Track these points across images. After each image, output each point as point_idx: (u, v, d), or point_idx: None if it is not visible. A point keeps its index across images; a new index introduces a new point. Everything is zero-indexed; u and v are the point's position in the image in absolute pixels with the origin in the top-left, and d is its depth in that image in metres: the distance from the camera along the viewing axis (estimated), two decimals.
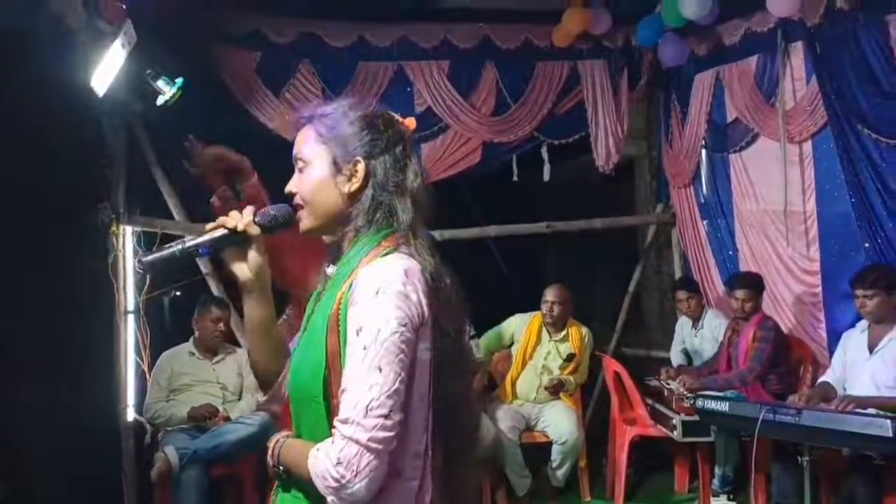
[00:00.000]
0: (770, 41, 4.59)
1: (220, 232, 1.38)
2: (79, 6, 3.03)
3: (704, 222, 5.29)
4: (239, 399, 4.27)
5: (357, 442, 1.17)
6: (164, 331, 4.65)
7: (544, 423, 4.38)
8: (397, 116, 1.43)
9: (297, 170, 1.40)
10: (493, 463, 4.14)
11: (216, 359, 4.28)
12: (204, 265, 4.68)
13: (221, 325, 4.24)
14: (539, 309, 4.60)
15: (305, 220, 1.39)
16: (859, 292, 3.56)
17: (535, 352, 4.55)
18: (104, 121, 4.22)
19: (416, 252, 1.31)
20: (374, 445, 1.18)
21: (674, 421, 3.97)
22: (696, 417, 3.81)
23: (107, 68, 3.30)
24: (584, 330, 4.60)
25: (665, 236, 5.78)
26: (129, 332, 4.43)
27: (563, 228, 5.42)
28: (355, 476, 1.17)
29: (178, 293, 4.78)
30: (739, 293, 4.22)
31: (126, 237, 4.44)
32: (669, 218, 5.58)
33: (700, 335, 4.79)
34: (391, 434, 1.20)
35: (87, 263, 4.42)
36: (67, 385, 4.98)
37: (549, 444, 4.31)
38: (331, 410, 1.24)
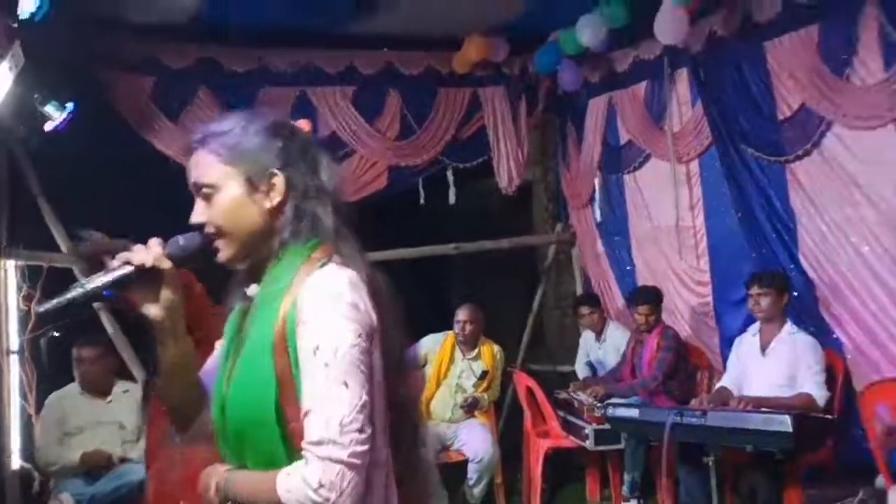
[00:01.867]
0: (658, 68, 4.89)
1: (126, 270, 1.23)
2: None
3: (602, 240, 5.53)
4: (138, 439, 4.03)
5: (337, 461, 1.14)
6: (53, 371, 4.35)
7: (460, 442, 4.40)
8: (295, 124, 1.38)
9: (200, 198, 1.30)
10: None
11: (109, 398, 4.04)
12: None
13: (96, 366, 4.00)
14: (450, 329, 4.63)
15: (226, 250, 1.30)
16: (754, 291, 3.81)
17: (450, 371, 4.57)
18: None
19: (349, 259, 1.28)
20: (354, 461, 1.15)
21: (586, 431, 4.09)
22: (607, 426, 3.94)
23: None
24: (496, 347, 4.67)
25: (564, 255, 5.99)
26: (13, 374, 4.12)
27: (471, 249, 5.52)
28: (340, 496, 1.13)
29: (56, 333, 4.47)
30: (641, 308, 4.43)
31: (8, 272, 4.15)
32: (570, 237, 5.79)
33: (603, 347, 4.98)
34: (367, 448, 1.17)
35: None
36: None
37: (466, 462, 4.33)
38: (286, 435, 1.19)
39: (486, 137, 5.47)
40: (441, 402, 4.55)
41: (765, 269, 4.13)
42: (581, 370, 5.14)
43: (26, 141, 4.08)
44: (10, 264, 4.14)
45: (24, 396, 4.15)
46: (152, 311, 1.26)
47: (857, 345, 3.88)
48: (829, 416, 3.58)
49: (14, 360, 4.13)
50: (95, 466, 3.73)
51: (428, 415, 4.56)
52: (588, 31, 4.61)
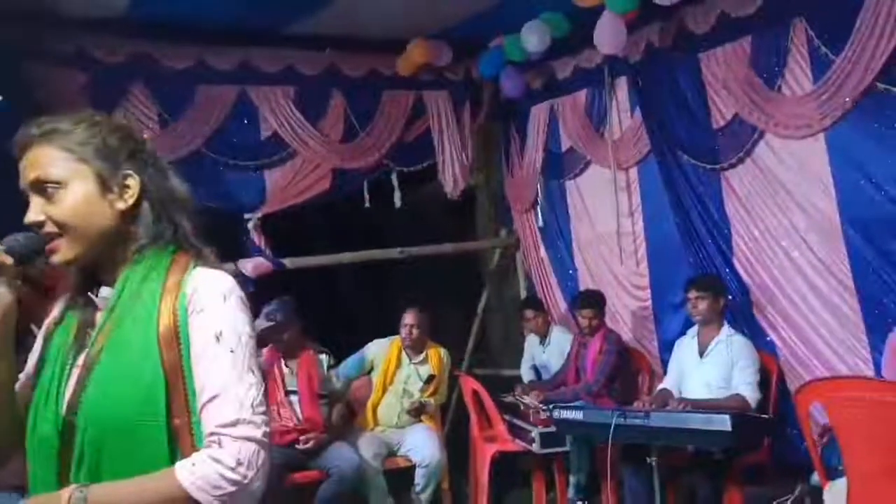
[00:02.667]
0: (598, 76, 4.99)
1: None
2: None
3: (545, 245, 5.59)
4: None
5: (252, 440, 1.17)
6: None
7: (407, 448, 4.36)
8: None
9: (38, 196, 1.23)
10: (356, 492, 4.04)
11: None
12: None
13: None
14: (396, 334, 4.60)
15: (67, 251, 1.23)
16: (692, 294, 3.92)
17: (396, 376, 4.53)
18: None
19: (213, 263, 1.30)
20: (264, 440, 1.19)
21: (532, 434, 4.11)
22: (552, 429, 3.98)
23: None
24: (443, 351, 4.66)
25: (508, 260, 6.02)
26: None
27: (416, 253, 5.49)
28: (256, 472, 1.17)
29: None
30: (585, 312, 4.50)
31: None
32: (514, 242, 5.83)
33: (548, 351, 5.02)
34: (270, 428, 1.23)
35: None
36: None
37: (413, 467, 4.30)
38: (171, 432, 1.18)
39: (431, 141, 5.47)
40: (387, 408, 4.50)
41: (701, 273, 4.25)
42: (526, 374, 5.18)
43: None
44: None
45: None
46: None
47: (790, 346, 4.03)
48: (765, 416, 3.71)
49: None
50: None
51: (374, 420, 4.52)
52: (533, 38, 4.66)
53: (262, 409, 1.20)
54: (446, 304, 6.85)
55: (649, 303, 4.87)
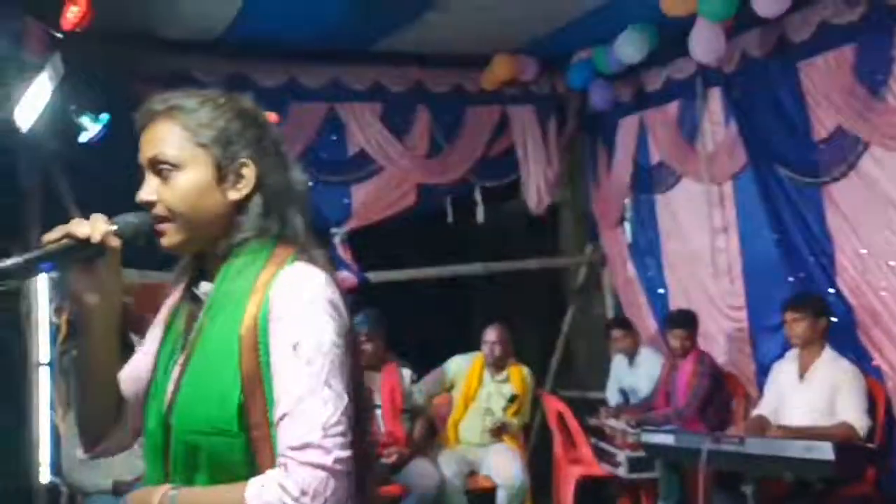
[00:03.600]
0: (690, 87, 4.83)
1: (64, 243, 1.12)
2: (4, 35, 2.85)
3: (634, 262, 5.43)
4: None
5: (322, 467, 1.05)
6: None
7: (489, 468, 4.29)
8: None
9: (154, 174, 1.18)
10: None
11: None
12: None
13: None
14: (477, 350, 4.55)
15: (173, 235, 1.17)
16: (789, 316, 3.71)
17: (478, 394, 4.48)
18: (20, 158, 3.98)
19: (315, 260, 1.18)
20: (339, 468, 1.06)
21: (619, 458, 3.98)
22: (641, 453, 3.83)
23: (31, 103, 3.11)
24: (525, 370, 4.58)
25: (594, 277, 5.89)
26: (43, 387, 4.11)
27: (499, 269, 5.45)
28: (323, 503, 1.04)
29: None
30: (677, 332, 4.33)
31: (39, 284, 4.15)
32: (600, 259, 5.70)
33: (636, 373, 4.86)
34: (351, 453, 1.08)
35: None
36: None
37: (495, 488, 4.22)
38: (250, 443, 1.09)
39: (515, 156, 5.42)
40: (469, 426, 4.45)
41: (801, 292, 4.02)
42: (612, 396, 5.02)
43: (60, 152, 4.11)
44: (41, 276, 4.14)
45: (53, 409, 4.14)
46: (88, 292, 1.15)
47: None
48: (870, 445, 3.47)
49: (45, 372, 4.12)
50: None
51: (455, 438, 4.48)
52: (629, 49, 4.55)
53: (338, 429, 1.07)
54: (529, 322, 6.76)
55: (745, 324, 4.64)
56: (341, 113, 5.07)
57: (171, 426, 1.14)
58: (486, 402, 4.48)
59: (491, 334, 4.50)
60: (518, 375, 4.55)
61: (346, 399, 1.09)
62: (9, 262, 1.07)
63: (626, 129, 5.33)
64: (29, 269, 1.10)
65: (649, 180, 5.25)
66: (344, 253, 4.91)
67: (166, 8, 4.13)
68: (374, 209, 5.06)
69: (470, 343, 4.66)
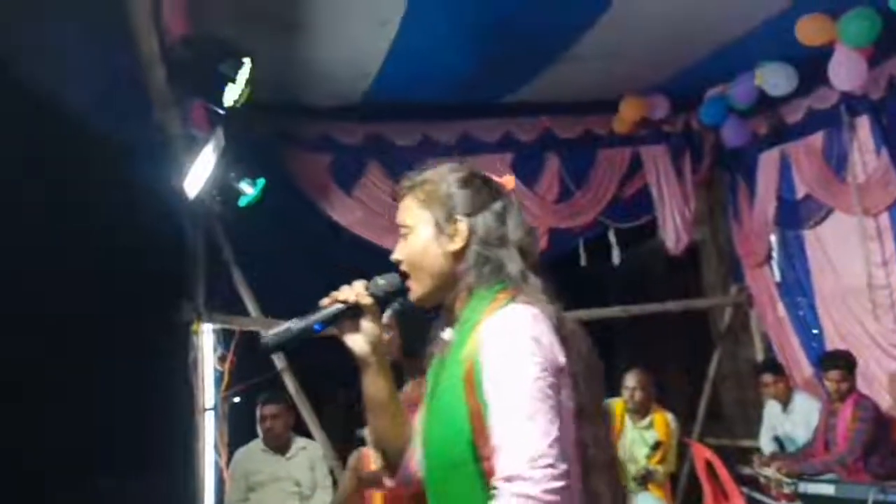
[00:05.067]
0: (834, 117, 4.60)
1: (335, 307, 1.37)
2: (177, 115, 3.24)
3: (784, 302, 5.15)
4: (313, 496, 4.19)
5: (529, 497, 1.11)
6: (241, 428, 4.68)
7: None
8: (493, 176, 1.45)
9: (400, 238, 1.41)
10: None
11: (288, 454, 4.22)
12: (279, 360, 4.74)
13: (278, 422, 4.18)
14: (617, 395, 4.46)
15: (416, 288, 1.39)
16: None
17: (619, 440, 4.37)
18: (187, 222, 4.43)
19: (534, 301, 1.28)
20: (548, 498, 1.12)
21: None
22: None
23: (198, 172, 3.49)
24: (669, 416, 4.42)
25: (742, 319, 5.62)
26: (209, 430, 4.45)
27: (639, 312, 5.34)
28: None
29: (237, 399, 4.78)
30: (833, 374, 4.06)
31: (206, 335, 4.55)
32: (746, 299, 5.44)
33: (791, 419, 4.56)
34: (563, 484, 1.14)
35: (169, 362, 4.53)
36: (152, 485, 4.98)
37: None
38: (483, 472, 1.20)
39: (649, 197, 5.35)
40: None
41: None
42: (767, 445, 4.72)
43: (222, 215, 4.54)
44: (208, 328, 4.54)
45: (217, 451, 4.47)
46: (357, 344, 1.37)
47: None
48: None
49: (210, 416, 4.48)
50: None
51: None
52: (778, 79, 4.42)
53: (547, 461, 1.13)
54: (673, 367, 6.53)
55: None
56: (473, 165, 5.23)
57: (428, 460, 1.31)
58: (629, 450, 4.36)
59: (631, 380, 4.39)
60: (662, 422, 4.39)
61: (553, 433, 1.15)
62: (293, 327, 1.35)
63: (768, 164, 5.13)
64: (309, 331, 1.36)
65: (796, 215, 5.00)
66: None
67: (311, 79, 4.51)
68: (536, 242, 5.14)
69: (611, 388, 4.56)
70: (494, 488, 1.15)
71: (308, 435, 4.58)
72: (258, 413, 4.23)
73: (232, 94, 3.08)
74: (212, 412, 4.43)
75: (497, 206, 1.38)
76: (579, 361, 1.27)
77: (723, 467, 4.26)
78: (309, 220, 4.91)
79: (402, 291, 1.40)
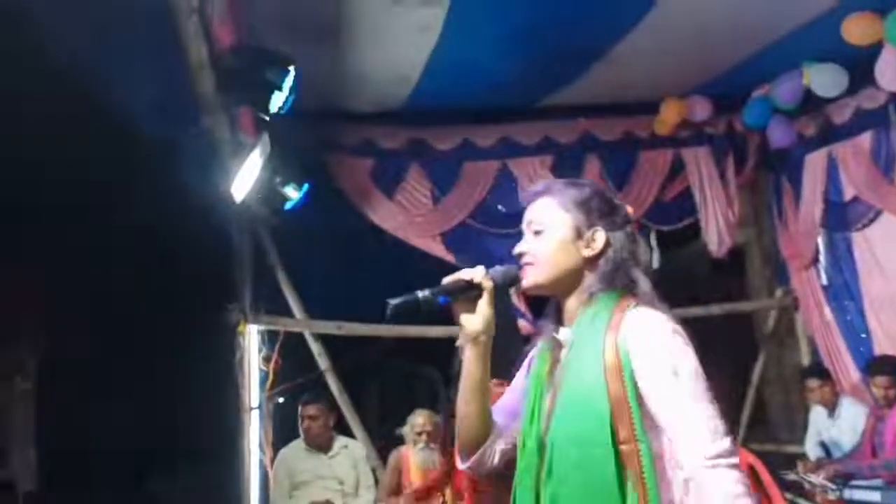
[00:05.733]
0: (883, 117, 4.50)
1: (460, 283, 1.49)
2: (225, 121, 3.35)
3: (830, 305, 5.05)
4: (356, 493, 4.26)
5: (734, 467, 1.28)
6: (285, 428, 4.78)
7: None
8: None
9: (529, 233, 1.52)
10: None
11: (330, 453, 4.29)
12: (322, 361, 4.83)
13: (317, 422, 4.24)
14: None
15: (534, 277, 1.49)
16: None
17: None
18: (234, 226, 4.55)
19: (655, 304, 1.43)
20: (739, 463, 1.29)
21: None
22: None
23: (244, 177, 3.59)
24: None
25: (785, 323, 5.53)
26: (253, 429, 4.56)
27: (680, 315, 5.25)
28: (748, 496, 1.28)
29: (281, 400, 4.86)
30: (880, 380, 3.98)
31: (251, 336, 4.66)
32: (791, 302, 5.35)
33: (837, 425, 4.47)
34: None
35: (217, 362, 4.66)
36: (201, 482, 5.13)
37: None
38: (619, 455, 1.33)
39: (692, 199, 5.30)
40: None
41: None
42: (812, 450, 4.63)
43: (267, 219, 4.65)
44: (253, 329, 4.65)
45: (262, 449, 4.58)
46: (472, 322, 1.48)
47: None
48: None
49: (255, 416, 4.59)
50: None
51: None
52: (825, 80, 4.35)
53: (729, 437, 1.31)
54: (715, 371, 6.44)
55: None
56: (512, 168, 5.26)
57: (546, 444, 1.42)
58: None
59: None
60: None
61: (719, 414, 1.34)
62: (420, 295, 1.46)
63: (814, 165, 5.04)
64: (434, 301, 1.46)
65: (843, 217, 4.90)
66: (519, 302, 5.03)
67: (354, 86, 4.59)
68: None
69: None
70: (695, 469, 1.30)
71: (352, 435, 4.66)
72: (299, 413, 4.32)
73: (277, 100, 3.17)
74: (257, 411, 4.54)
75: (629, 228, 1.52)
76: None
77: (766, 472, 4.19)
78: (351, 224, 4.99)
79: (516, 281, 1.51)
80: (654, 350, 1.35)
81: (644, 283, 1.46)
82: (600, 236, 1.48)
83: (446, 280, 1.49)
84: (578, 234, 1.48)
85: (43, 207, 4.11)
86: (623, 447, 1.33)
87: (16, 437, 6.39)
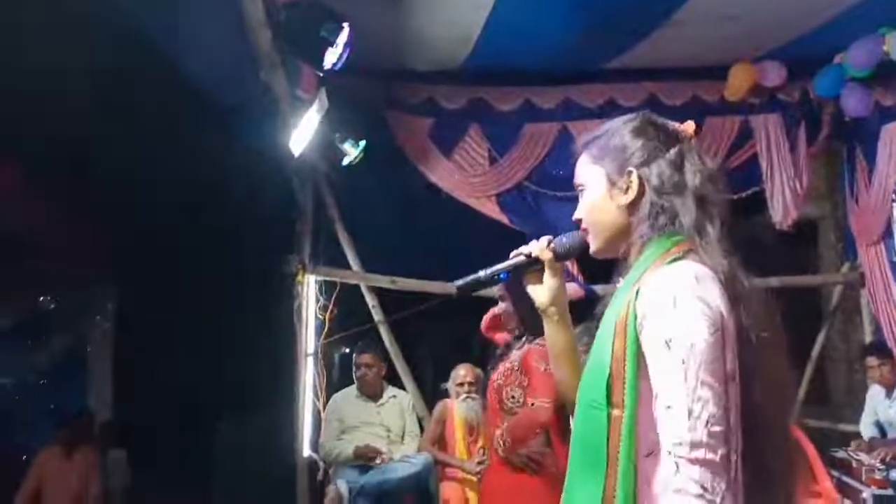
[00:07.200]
0: None
1: (520, 259, 1.46)
2: (283, 77, 3.46)
3: None
4: (402, 441, 4.42)
5: (710, 463, 1.09)
6: (341, 374, 4.98)
7: None
8: (670, 123, 1.39)
9: (580, 196, 1.40)
10: None
11: (380, 402, 4.43)
12: (377, 313, 4.99)
13: (371, 370, 4.37)
14: None
15: (593, 243, 1.38)
16: None
17: None
18: (295, 180, 4.71)
19: (704, 255, 1.23)
20: (725, 465, 1.10)
21: (864, 495, 3.61)
22: (889, 491, 3.44)
23: (302, 132, 3.71)
24: None
25: (851, 300, 5.34)
26: (308, 375, 4.78)
27: None
28: (723, 501, 1.09)
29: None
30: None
31: (310, 286, 4.85)
32: (857, 278, 5.16)
33: (895, 406, 4.33)
34: (734, 451, 1.12)
35: (276, 310, 4.88)
36: (256, 427, 5.42)
37: None
38: (609, 420, 1.19)
39: (758, 168, 5.13)
40: None
41: None
42: (867, 430, 4.52)
43: (327, 174, 4.79)
44: (312, 279, 4.84)
45: (315, 394, 4.80)
46: (538, 294, 1.45)
47: None
48: None
49: (310, 362, 4.80)
50: (365, 458, 4.16)
51: None
52: None
53: (718, 428, 1.10)
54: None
55: None
56: (573, 131, 5.21)
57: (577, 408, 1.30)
58: None
59: None
60: None
61: (724, 396, 1.12)
62: (482, 274, 1.45)
63: (890, 137, 4.80)
64: (495, 280, 1.45)
65: None
66: (571, 265, 5.03)
67: (414, 45, 4.62)
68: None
69: None
70: (668, 454, 1.12)
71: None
72: (354, 361, 4.49)
73: (331, 57, 3.25)
74: (312, 358, 4.74)
75: (672, 153, 1.31)
76: (753, 323, 1.21)
77: (812, 448, 4.12)
78: (408, 182, 5.08)
79: (584, 248, 1.41)
80: (653, 315, 1.17)
81: (688, 217, 1.26)
82: (633, 178, 1.31)
83: (511, 255, 1.45)
84: (612, 183, 1.33)
85: (113, 162, 4.36)
86: (613, 412, 1.18)
87: (96, 371, 6.89)
